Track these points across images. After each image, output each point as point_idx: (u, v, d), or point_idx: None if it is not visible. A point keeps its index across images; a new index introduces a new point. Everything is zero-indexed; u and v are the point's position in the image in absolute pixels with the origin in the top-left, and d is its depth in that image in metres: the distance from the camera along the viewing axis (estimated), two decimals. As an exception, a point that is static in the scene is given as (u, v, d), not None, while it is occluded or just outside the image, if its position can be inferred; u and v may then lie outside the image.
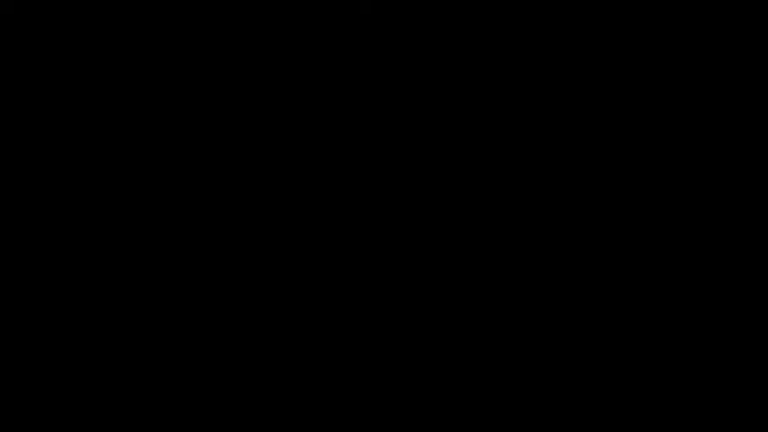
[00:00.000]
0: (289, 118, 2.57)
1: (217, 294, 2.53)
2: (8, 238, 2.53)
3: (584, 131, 2.55)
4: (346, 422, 2.50)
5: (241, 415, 2.50)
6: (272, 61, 2.57)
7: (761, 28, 2.54)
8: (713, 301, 2.50)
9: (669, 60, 2.56)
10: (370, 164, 2.56)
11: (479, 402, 2.49)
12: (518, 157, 2.55)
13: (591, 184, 2.54)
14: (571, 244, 2.53)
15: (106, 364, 2.50)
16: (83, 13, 2.57)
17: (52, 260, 2.53)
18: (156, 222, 2.54)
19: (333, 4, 2.57)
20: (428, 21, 2.57)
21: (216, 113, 2.57)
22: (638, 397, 2.48)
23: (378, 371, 2.51)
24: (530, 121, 2.56)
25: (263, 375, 2.51)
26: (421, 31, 2.57)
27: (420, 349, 2.52)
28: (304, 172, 2.56)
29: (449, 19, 2.57)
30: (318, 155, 2.56)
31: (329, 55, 2.57)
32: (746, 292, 2.50)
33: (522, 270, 2.53)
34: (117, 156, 2.55)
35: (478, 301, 2.52)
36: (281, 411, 2.50)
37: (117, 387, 2.49)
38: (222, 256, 2.54)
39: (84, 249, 2.53)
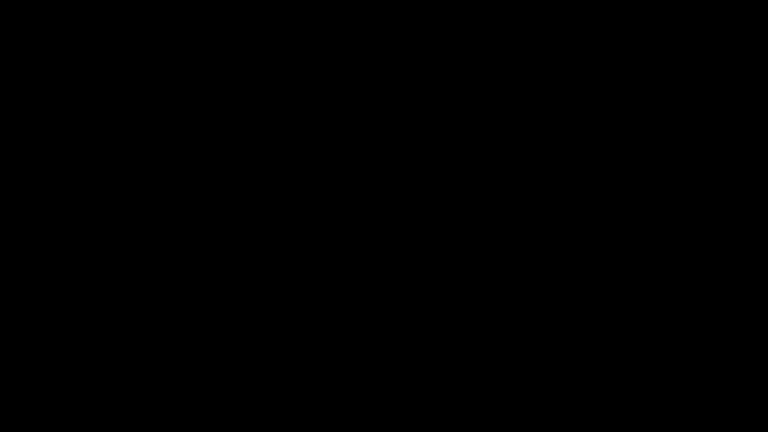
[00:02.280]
0: (289, 118, 2.57)
1: (216, 294, 2.53)
2: (8, 238, 2.53)
3: (583, 131, 2.56)
4: (346, 422, 2.50)
5: (241, 415, 2.50)
6: (272, 61, 2.58)
7: (761, 28, 2.54)
8: (713, 300, 2.51)
9: (669, 60, 2.56)
10: (370, 163, 2.56)
11: (479, 402, 2.50)
12: (518, 156, 2.55)
13: (590, 184, 2.54)
14: (571, 243, 2.53)
15: (106, 364, 2.50)
16: (83, 13, 2.57)
17: (52, 260, 2.53)
18: (156, 222, 2.55)
19: (333, 4, 2.57)
20: (428, 21, 2.57)
21: (216, 113, 2.57)
22: (639, 397, 2.49)
23: (378, 371, 2.51)
24: (529, 121, 2.56)
25: (264, 375, 2.51)
26: (421, 32, 2.57)
27: (420, 349, 2.52)
28: (304, 172, 2.56)
29: (449, 19, 2.57)
30: (318, 154, 2.56)
31: (329, 55, 2.57)
32: (746, 291, 2.50)
33: (521, 269, 2.53)
34: (117, 155, 2.56)
35: (478, 301, 2.53)
36: (281, 411, 2.50)
37: (117, 387, 2.50)
38: (222, 256, 2.54)
39: (84, 249, 2.53)
